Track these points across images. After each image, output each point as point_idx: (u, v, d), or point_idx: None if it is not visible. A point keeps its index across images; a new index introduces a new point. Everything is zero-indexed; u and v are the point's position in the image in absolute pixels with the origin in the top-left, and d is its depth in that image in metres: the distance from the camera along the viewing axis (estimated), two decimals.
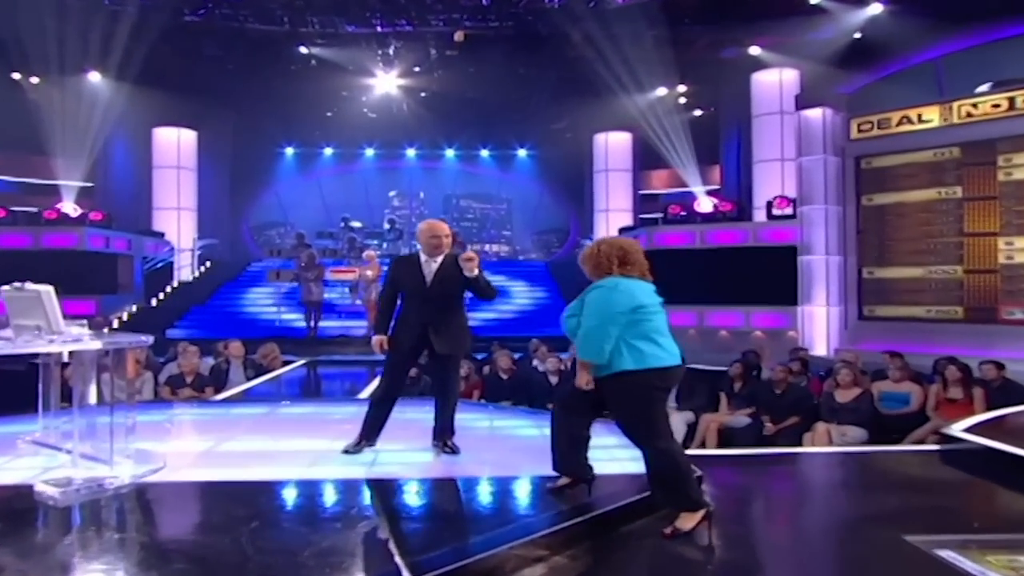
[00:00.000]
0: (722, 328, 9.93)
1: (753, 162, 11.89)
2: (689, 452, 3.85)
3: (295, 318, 11.00)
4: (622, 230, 13.12)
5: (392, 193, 24.52)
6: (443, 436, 3.75)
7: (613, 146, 15.17)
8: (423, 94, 14.72)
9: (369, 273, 9.74)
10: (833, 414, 5.53)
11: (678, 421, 5.94)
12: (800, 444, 5.33)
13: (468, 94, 14.42)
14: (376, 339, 3.60)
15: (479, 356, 7.57)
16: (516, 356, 6.94)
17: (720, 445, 5.68)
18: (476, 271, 3.55)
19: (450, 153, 19.13)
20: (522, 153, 18.95)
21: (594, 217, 15.27)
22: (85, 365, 3.16)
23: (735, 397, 6.16)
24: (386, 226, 14.32)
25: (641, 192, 16.02)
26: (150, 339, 3.30)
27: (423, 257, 3.68)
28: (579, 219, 18.09)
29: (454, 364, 3.69)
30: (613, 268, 2.83)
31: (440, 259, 3.65)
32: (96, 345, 3.06)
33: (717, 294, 9.89)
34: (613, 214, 14.94)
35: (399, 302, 3.67)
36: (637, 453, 2.90)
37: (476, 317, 10.83)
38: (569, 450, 2.96)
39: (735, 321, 9.78)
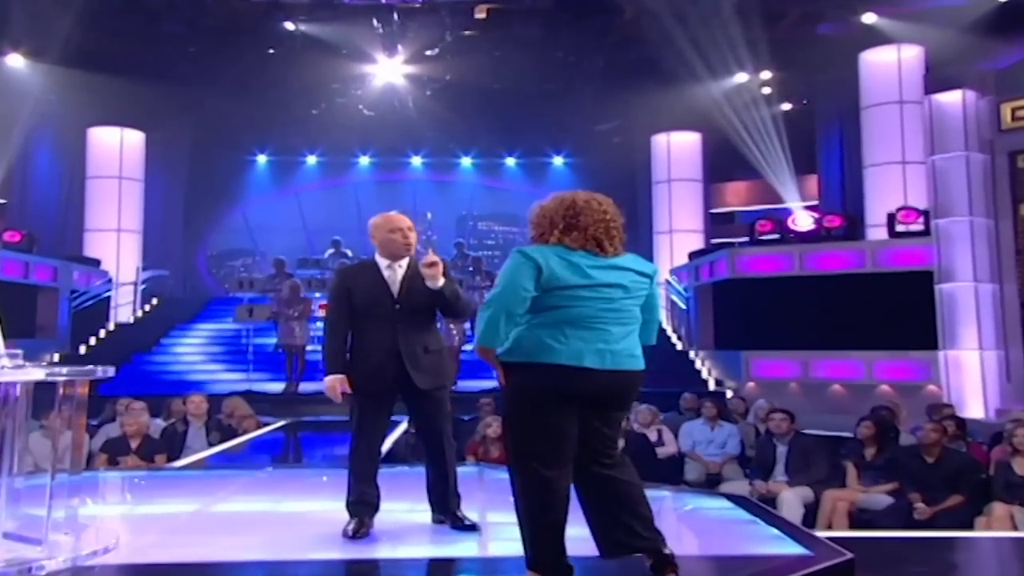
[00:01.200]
0: (834, 381, 9.61)
1: (863, 166, 11.74)
2: (818, 534, 3.58)
3: (271, 368, 11.05)
4: (693, 255, 12.96)
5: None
6: (447, 505, 3.68)
7: (678, 150, 15.19)
8: (435, 85, 14.85)
9: None
10: (1012, 491, 5.16)
11: (792, 500, 5.66)
12: (968, 530, 4.95)
13: (491, 86, 14.55)
14: (331, 381, 3.52)
15: (465, 417, 7.55)
16: None
17: (852, 529, 5.34)
18: (441, 279, 3.54)
19: (467, 162, 19.29)
20: (558, 162, 19.08)
21: (653, 241, 15.22)
22: (14, 408, 3.01)
23: (868, 468, 5.93)
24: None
25: (711, 211, 15.93)
26: (109, 370, 3.15)
27: (382, 262, 3.67)
28: (632, 245, 18.06)
29: (442, 400, 3.65)
30: (553, 233, 2.81)
31: (406, 263, 3.66)
32: (36, 375, 2.92)
33: (825, 336, 9.62)
34: (679, 236, 14.89)
35: (351, 327, 3.62)
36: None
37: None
38: (604, 516, 2.84)
39: (851, 372, 9.47)
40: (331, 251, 13.96)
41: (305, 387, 10.30)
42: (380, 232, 3.68)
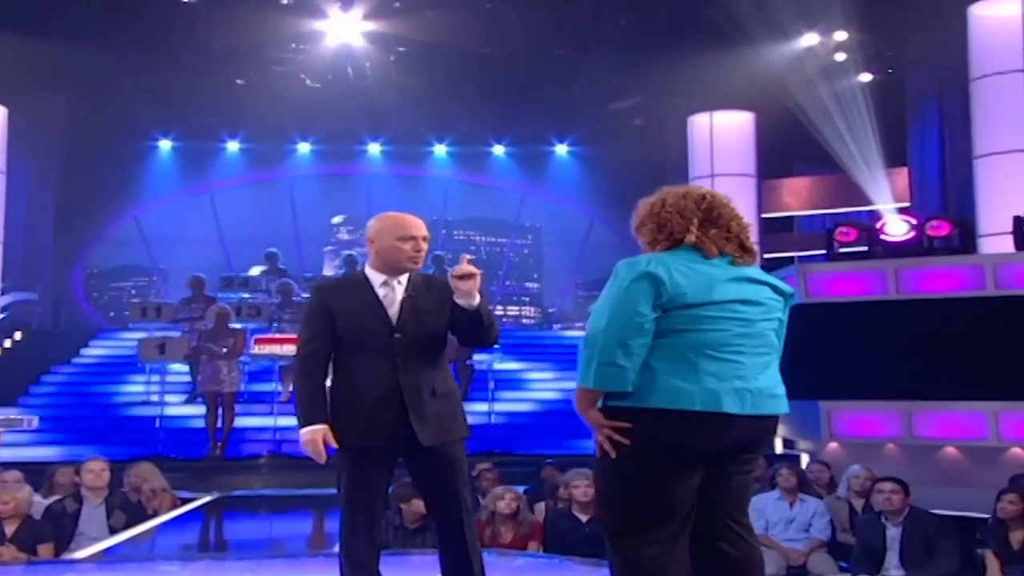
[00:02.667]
0: (946, 441, 9.54)
1: (973, 156, 11.81)
2: None
3: (189, 412, 11.03)
4: None
5: (337, 219, 24.83)
6: None
7: (723, 135, 15.30)
8: (403, 49, 14.86)
9: None
10: None
11: None
12: None
13: (477, 50, 14.60)
14: (312, 434, 3.61)
15: None
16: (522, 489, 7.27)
17: None
18: (478, 297, 3.68)
19: (441, 151, 19.37)
20: (561, 151, 19.21)
21: None
22: None
23: (1016, 560, 5.92)
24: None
25: (764, 216, 16.02)
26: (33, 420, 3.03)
27: (376, 277, 3.79)
28: None
29: (456, 459, 3.76)
30: (689, 231, 2.98)
31: (405, 279, 3.78)
32: None
33: (932, 381, 9.55)
34: None
35: (333, 363, 3.75)
36: None
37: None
38: None
39: (970, 429, 9.40)
40: (263, 268, 13.96)
41: (235, 450, 10.30)
42: (385, 238, 3.73)
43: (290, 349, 10.38)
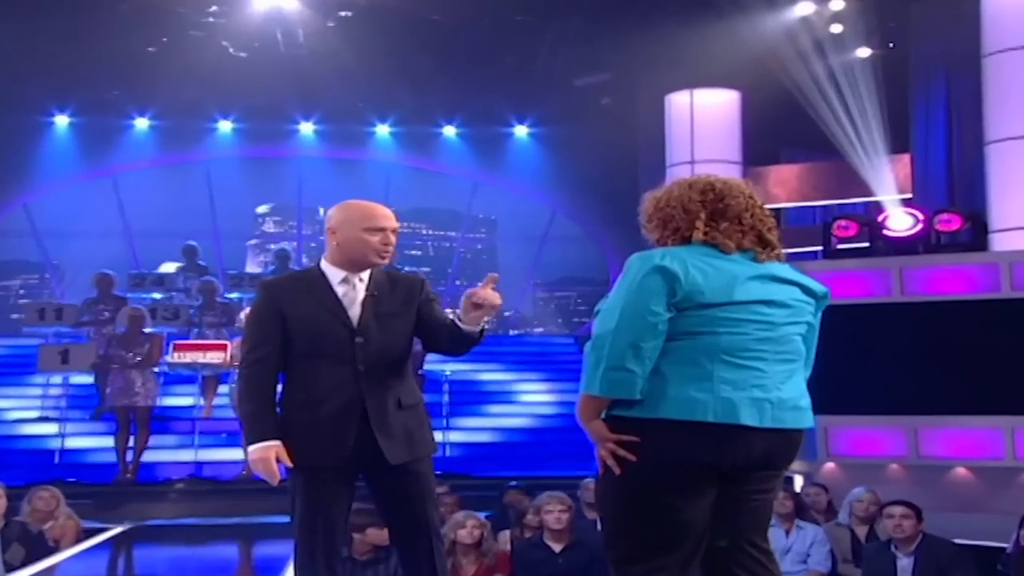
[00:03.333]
0: (956, 461, 9.70)
1: (984, 141, 11.99)
2: None
3: (95, 430, 10.92)
4: None
5: (263, 208, 24.63)
6: None
7: (705, 116, 15.39)
8: (341, 14, 14.83)
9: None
10: None
11: None
12: None
13: (427, 16, 14.55)
14: (262, 451, 3.65)
15: None
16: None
17: None
18: (485, 321, 3.81)
19: (383, 132, 19.32)
20: (520, 133, 19.26)
21: None
22: None
23: None
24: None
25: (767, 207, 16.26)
26: None
27: (335, 274, 3.84)
28: (626, 258, 18.19)
29: (424, 477, 3.83)
30: (695, 227, 3.06)
31: (367, 275, 3.85)
32: None
33: (941, 393, 9.71)
34: None
35: (284, 371, 3.82)
36: None
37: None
38: None
39: (983, 447, 9.58)
40: (180, 264, 13.89)
41: (149, 473, 10.22)
42: (349, 229, 3.77)
43: (215, 357, 10.39)
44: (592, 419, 2.99)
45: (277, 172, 20.21)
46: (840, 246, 10.98)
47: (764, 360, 2.96)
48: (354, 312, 3.77)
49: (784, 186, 17.74)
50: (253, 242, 23.37)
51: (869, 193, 14.74)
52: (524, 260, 20.00)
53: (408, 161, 19.60)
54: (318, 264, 3.88)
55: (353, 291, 3.80)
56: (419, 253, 21.08)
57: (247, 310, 10.42)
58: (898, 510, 6.42)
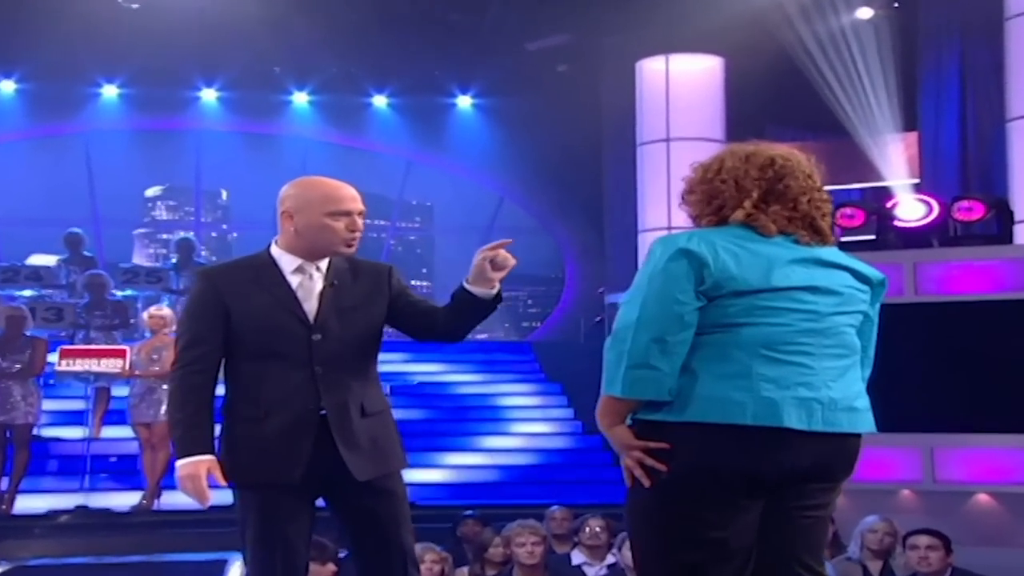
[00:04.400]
0: (978, 486, 9.83)
1: (1007, 118, 12.18)
2: None
3: None
4: None
5: (154, 191, 24.35)
6: None
7: (684, 87, 15.48)
8: None
9: (159, 367, 9.84)
10: None
11: None
12: None
13: None
14: (191, 467, 3.70)
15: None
16: None
17: None
18: (498, 285, 3.91)
19: (301, 101, 19.28)
20: (463, 104, 19.35)
21: (638, 242, 15.69)
22: None
23: None
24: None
25: None
26: None
27: (288, 262, 3.90)
28: (587, 253, 18.15)
29: (395, 496, 3.90)
30: (743, 206, 3.11)
31: (325, 265, 3.93)
32: None
33: (960, 408, 9.81)
34: None
35: (228, 375, 3.90)
36: None
37: None
38: None
39: (1009, 469, 9.70)
40: (60, 257, 13.85)
41: (29, 504, 10.08)
42: (310, 213, 3.81)
43: (112, 365, 10.24)
44: (615, 424, 3.04)
45: (171, 148, 20.11)
46: (844, 238, 11.07)
47: (810, 355, 3.00)
48: (310, 306, 3.82)
49: None
50: (141, 231, 23.26)
51: (869, 177, 14.97)
52: (466, 254, 19.50)
53: (330, 136, 19.56)
54: (267, 250, 3.91)
55: (309, 281, 3.85)
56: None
57: (151, 311, 10.42)
58: (923, 540, 6.48)
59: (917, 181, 14.70)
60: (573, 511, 8.44)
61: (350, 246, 3.86)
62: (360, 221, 3.89)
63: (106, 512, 10.11)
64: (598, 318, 16.52)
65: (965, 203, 10.85)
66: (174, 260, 14.11)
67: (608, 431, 3.06)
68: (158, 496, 10.00)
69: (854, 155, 14.61)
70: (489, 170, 19.49)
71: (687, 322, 2.93)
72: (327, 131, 19.48)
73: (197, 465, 3.66)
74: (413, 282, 20.68)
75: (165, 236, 21.84)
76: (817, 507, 3.08)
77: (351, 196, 3.89)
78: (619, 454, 3.08)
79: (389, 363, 14.37)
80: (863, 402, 3.08)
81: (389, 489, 3.84)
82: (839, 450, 3.02)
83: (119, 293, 13.08)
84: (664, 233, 15.08)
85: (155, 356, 9.93)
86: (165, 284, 13.87)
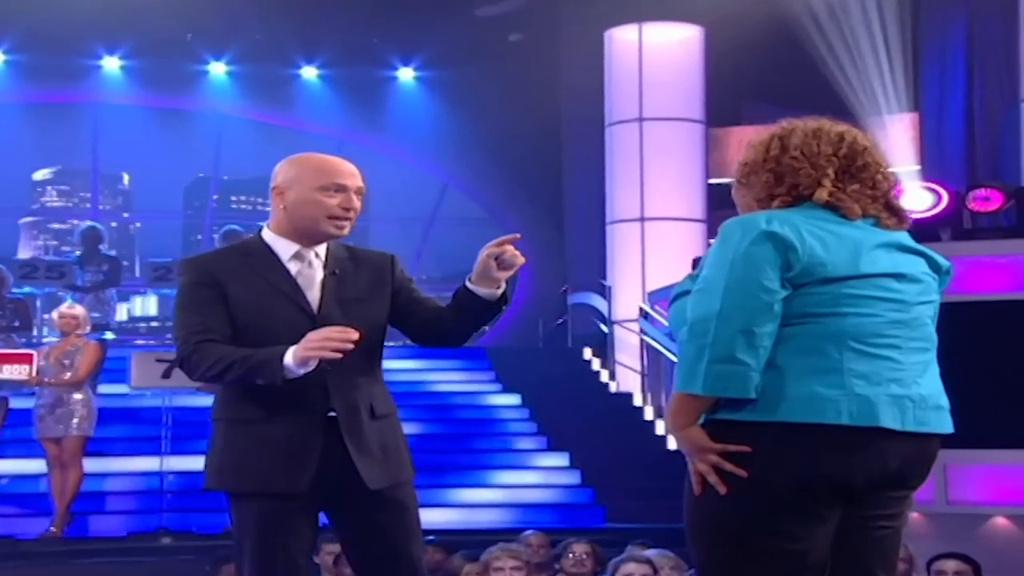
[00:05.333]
0: (995, 507, 9.99)
1: (1021, 99, 12.39)
2: None
3: None
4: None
5: (43, 174, 24.09)
6: None
7: (656, 59, 15.55)
8: None
9: (71, 374, 9.82)
10: None
11: None
12: None
13: None
14: (296, 353, 3.71)
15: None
16: None
17: None
18: (504, 284, 3.97)
19: (218, 72, 19.18)
20: (405, 78, 19.41)
21: (606, 235, 15.77)
22: None
23: None
24: None
25: (715, 181, 16.51)
26: None
27: (284, 248, 3.96)
28: (544, 248, 18.18)
29: (406, 508, 3.98)
30: (822, 183, 3.15)
31: (324, 251, 4.00)
32: None
33: (975, 421, 9.82)
34: (660, 229, 15.46)
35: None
36: None
37: None
38: None
39: None
40: None
41: None
42: (301, 188, 3.88)
43: (17, 371, 10.13)
44: (689, 425, 3.03)
45: (65, 124, 19.94)
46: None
47: (898, 348, 3.05)
48: (313, 295, 3.88)
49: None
50: (29, 219, 22.97)
51: None
52: (404, 248, 19.85)
53: (250, 112, 19.48)
54: (258, 235, 3.99)
55: (309, 269, 3.91)
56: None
57: (61, 309, 10.35)
58: (951, 565, 6.58)
59: (918, 167, 14.87)
60: (550, 536, 8.50)
61: (341, 227, 3.88)
62: (357, 200, 3.92)
63: (10, 540, 10.01)
64: (560, 320, 16.61)
65: (981, 192, 10.98)
66: (78, 253, 13.94)
67: (680, 432, 3.05)
68: (69, 522, 9.91)
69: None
70: (432, 153, 19.46)
71: (775, 312, 2.95)
72: (247, 107, 19.33)
73: (298, 349, 3.64)
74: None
75: (57, 225, 21.55)
76: (893, 517, 3.13)
77: (349, 171, 3.93)
78: (689, 458, 3.07)
79: None
80: (946, 400, 3.14)
81: (400, 500, 3.90)
82: (923, 453, 3.08)
83: (16, 291, 12.88)
84: (635, 225, 15.40)
85: (66, 361, 9.86)
86: (68, 280, 13.72)
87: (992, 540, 9.93)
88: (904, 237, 3.19)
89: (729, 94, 16.26)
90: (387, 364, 4.14)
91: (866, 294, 3.03)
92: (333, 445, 3.78)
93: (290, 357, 3.67)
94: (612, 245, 15.66)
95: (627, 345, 15.00)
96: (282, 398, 3.77)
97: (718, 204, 16.52)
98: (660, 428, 13.23)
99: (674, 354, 13.07)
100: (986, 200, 10.95)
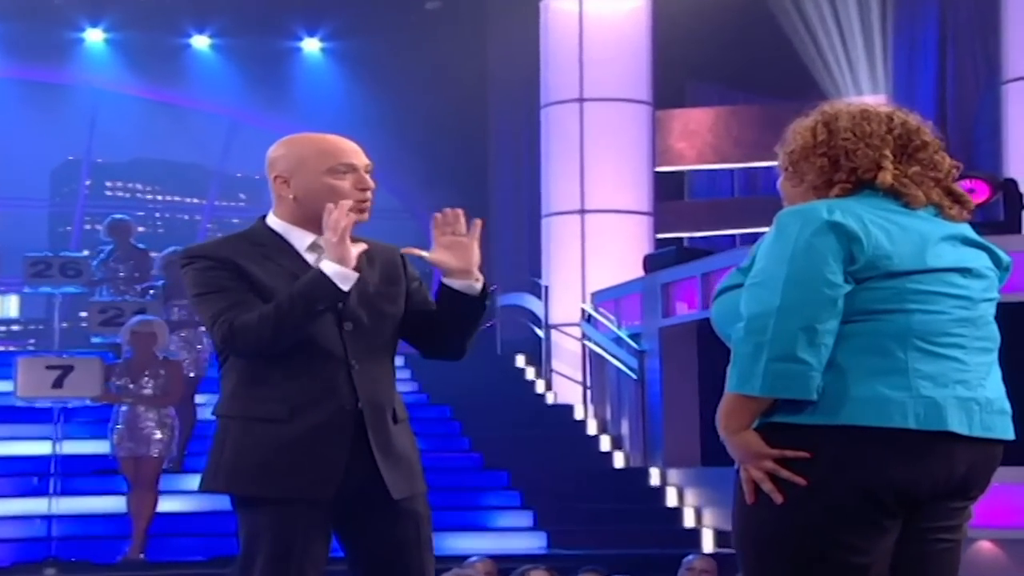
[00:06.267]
0: (978, 531, 10.02)
1: (1002, 80, 12.79)
2: None
3: None
4: (653, 260, 13.61)
5: None
6: None
7: (598, 32, 15.61)
8: None
9: None
10: None
11: None
12: None
13: None
14: (327, 265, 3.79)
15: None
16: None
17: None
18: (480, 276, 4.05)
19: (95, 40, 19.06)
20: (310, 49, 19.46)
21: (540, 229, 15.94)
22: None
23: None
24: None
25: (659, 170, 16.80)
26: None
27: (298, 237, 4.02)
28: (491, 234, 18.46)
29: (422, 519, 4.03)
30: (883, 166, 3.20)
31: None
32: None
33: None
34: (603, 223, 15.48)
35: (243, 369, 4.01)
36: None
37: None
38: None
39: (1017, 512, 10.08)
40: None
41: None
42: (308, 171, 3.96)
43: None
44: (743, 428, 3.07)
45: None
46: None
47: (963, 348, 3.12)
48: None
49: (692, 140, 18.09)
50: None
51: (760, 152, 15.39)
52: None
53: (131, 87, 19.48)
54: (262, 223, 4.02)
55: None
56: (158, 219, 20.90)
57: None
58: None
59: None
60: (497, 563, 8.65)
61: (362, 211, 3.89)
62: (369, 179, 3.98)
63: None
64: (488, 323, 16.63)
65: (965, 183, 11.26)
66: None
67: (734, 436, 3.08)
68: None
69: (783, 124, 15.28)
70: (337, 132, 19.20)
71: (839, 308, 3.01)
72: (128, 80, 19.27)
73: (336, 255, 3.71)
74: None
75: None
76: (953, 529, 3.19)
77: (353, 148, 4.00)
78: (742, 464, 3.10)
79: None
80: (1008, 405, 3.21)
81: (418, 513, 3.94)
82: (988, 460, 3.13)
83: None
84: (574, 218, 15.52)
85: None
86: None
87: (975, 566, 10.00)
88: (967, 229, 3.24)
89: (673, 73, 16.36)
90: None
91: (932, 290, 3.09)
92: (359, 448, 3.82)
93: (327, 264, 3.73)
94: (548, 240, 15.64)
95: (565, 352, 15.07)
96: (308, 397, 3.82)
97: (665, 195, 16.87)
98: (605, 444, 13.46)
99: (620, 361, 13.39)
100: (971, 192, 11.23)
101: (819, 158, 3.23)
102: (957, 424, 3.02)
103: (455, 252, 3.89)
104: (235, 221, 22.24)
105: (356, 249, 3.78)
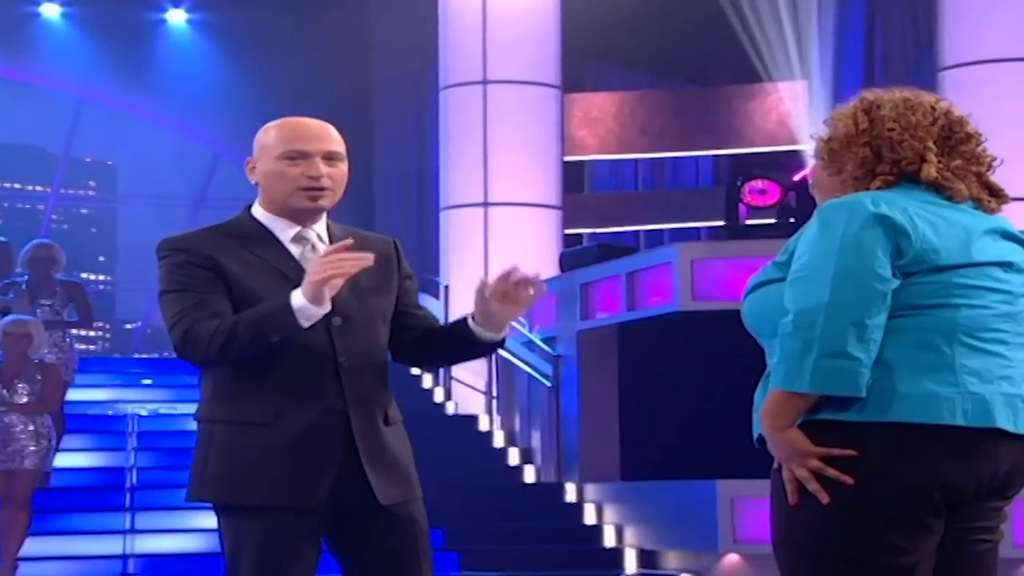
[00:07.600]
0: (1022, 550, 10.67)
1: (940, 66, 13.38)
2: None
3: None
4: (570, 258, 14.05)
5: None
6: None
7: (503, 9, 15.83)
8: None
9: None
10: None
11: None
12: None
13: None
14: (304, 292, 3.90)
15: None
16: None
17: None
18: (508, 329, 4.30)
19: None
20: (175, 21, 19.46)
21: (438, 223, 16.28)
22: None
23: None
24: None
25: (567, 159, 17.09)
26: None
27: (282, 228, 4.21)
28: (380, 229, 18.68)
29: (419, 526, 4.20)
30: (927, 158, 3.41)
31: (325, 231, 4.25)
32: None
33: None
34: (508, 217, 15.81)
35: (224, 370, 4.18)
36: None
37: None
38: None
39: None
40: None
41: None
42: (266, 155, 4.14)
43: None
44: (788, 427, 3.21)
45: None
46: (752, 220, 11.95)
47: (1006, 344, 3.31)
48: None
49: (594, 127, 18.34)
50: None
51: (737, 140, 16.21)
52: (163, 234, 20.01)
53: None
54: (246, 213, 4.20)
55: (313, 253, 4.08)
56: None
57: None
58: None
59: (802, 148, 15.51)
60: None
61: (314, 198, 4.04)
62: (324, 166, 4.03)
63: None
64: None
65: (757, 183, 11.92)
66: None
67: (779, 435, 3.22)
68: None
69: (719, 110, 15.96)
70: (203, 116, 19.60)
71: (888, 303, 3.16)
72: None
73: (305, 288, 3.83)
74: (85, 275, 20.69)
75: None
76: (992, 530, 3.40)
77: (313, 133, 4.10)
78: (786, 463, 3.25)
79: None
80: None
81: (413, 518, 4.09)
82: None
83: None
84: (476, 211, 15.87)
85: None
86: None
87: None
88: (1006, 223, 3.45)
89: (574, 54, 16.60)
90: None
91: (977, 284, 3.28)
92: (350, 452, 3.97)
93: (298, 296, 3.83)
94: (447, 235, 15.85)
95: None
96: (294, 398, 3.97)
97: (572, 187, 17.24)
98: (514, 458, 13.79)
99: (532, 367, 13.70)
100: (762, 193, 11.87)
101: (861, 148, 3.43)
102: (1004, 421, 3.22)
103: (507, 308, 4.05)
104: (83, 212, 22.30)
105: (328, 300, 3.87)
